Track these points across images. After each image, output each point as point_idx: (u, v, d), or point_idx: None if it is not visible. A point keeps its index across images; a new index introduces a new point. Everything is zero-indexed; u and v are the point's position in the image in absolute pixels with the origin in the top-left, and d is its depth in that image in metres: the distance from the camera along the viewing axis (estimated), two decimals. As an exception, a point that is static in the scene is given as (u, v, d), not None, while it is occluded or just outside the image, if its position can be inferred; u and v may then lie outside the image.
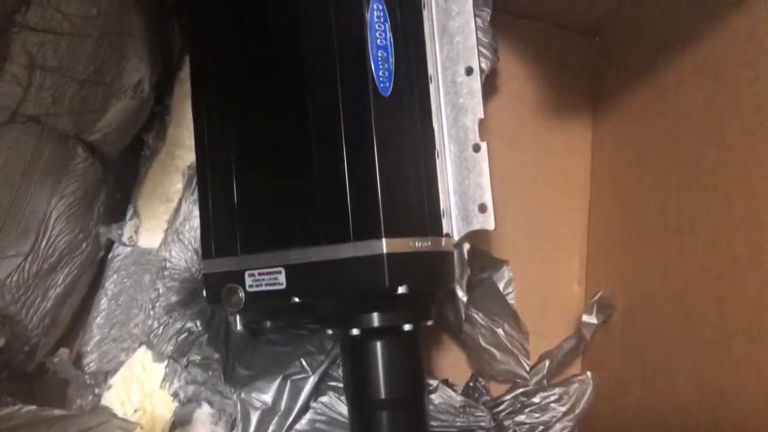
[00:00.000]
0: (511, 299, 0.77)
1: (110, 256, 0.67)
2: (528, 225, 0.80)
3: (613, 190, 0.80)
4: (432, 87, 0.61)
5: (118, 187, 0.69)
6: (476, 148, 0.60)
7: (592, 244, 0.81)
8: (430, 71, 0.61)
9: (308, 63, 0.53)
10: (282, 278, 0.53)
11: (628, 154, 0.78)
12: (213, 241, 0.57)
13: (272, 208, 0.55)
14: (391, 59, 0.52)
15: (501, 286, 0.77)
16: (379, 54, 0.51)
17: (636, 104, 0.77)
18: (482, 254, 0.76)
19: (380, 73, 0.51)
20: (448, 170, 0.61)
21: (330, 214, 0.51)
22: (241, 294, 0.55)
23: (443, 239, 0.56)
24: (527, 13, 0.86)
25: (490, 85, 0.84)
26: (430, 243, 0.53)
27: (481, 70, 0.62)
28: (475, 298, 0.73)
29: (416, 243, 0.52)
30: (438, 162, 0.60)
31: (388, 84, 0.52)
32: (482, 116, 0.61)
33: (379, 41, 0.52)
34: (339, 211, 0.51)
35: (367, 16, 0.50)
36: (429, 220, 0.56)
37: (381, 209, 0.50)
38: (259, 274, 0.54)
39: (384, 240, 0.49)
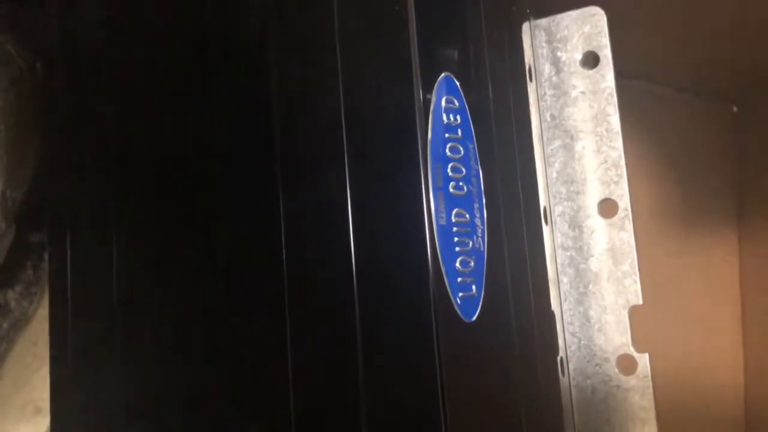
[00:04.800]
0: None
1: None
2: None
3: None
4: (547, 233, 0.31)
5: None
6: (628, 366, 0.30)
7: None
8: (542, 201, 0.31)
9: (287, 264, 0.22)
10: None
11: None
12: None
13: None
14: (481, 228, 0.22)
15: None
16: (456, 228, 0.21)
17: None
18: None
19: (458, 272, 0.21)
20: (573, 402, 0.30)
21: None
22: None
23: None
24: (637, 73, 0.56)
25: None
26: None
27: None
28: None
29: None
30: (562, 380, 0.30)
31: (476, 290, 0.21)
32: (640, 302, 0.30)
33: (453, 188, 0.21)
34: None
35: (427, 136, 0.20)
36: None
37: None
38: None
39: None
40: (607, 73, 0.32)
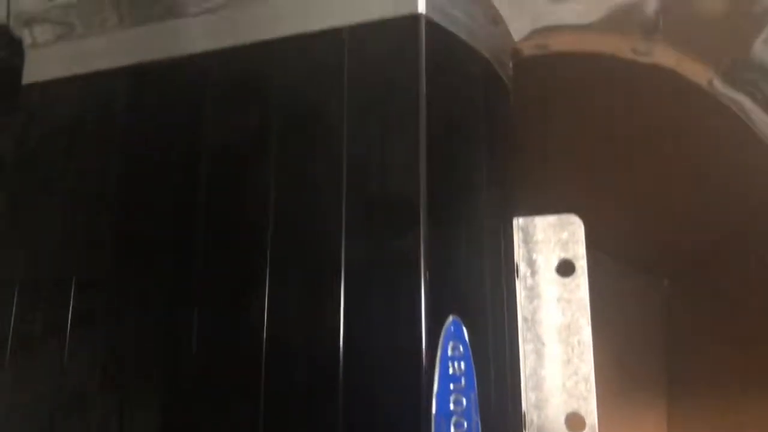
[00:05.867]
0: None
1: None
2: None
3: None
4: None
5: None
6: None
7: None
8: (523, 406, 0.30)
9: None
10: None
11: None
12: None
13: None
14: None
15: None
16: None
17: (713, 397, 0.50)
18: None
19: None
20: None
21: None
22: None
23: None
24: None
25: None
26: None
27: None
28: None
29: None
30: None
31: None
32: None
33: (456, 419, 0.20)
34: None
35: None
36: None
37: None
38: None
39: None
40: (582, 283, 0.32)
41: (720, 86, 0.27)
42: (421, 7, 0.23)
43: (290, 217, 0.24)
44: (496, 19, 0.28)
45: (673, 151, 0.36)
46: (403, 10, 0.23)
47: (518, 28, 0.31)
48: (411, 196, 0.21)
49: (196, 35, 0.26)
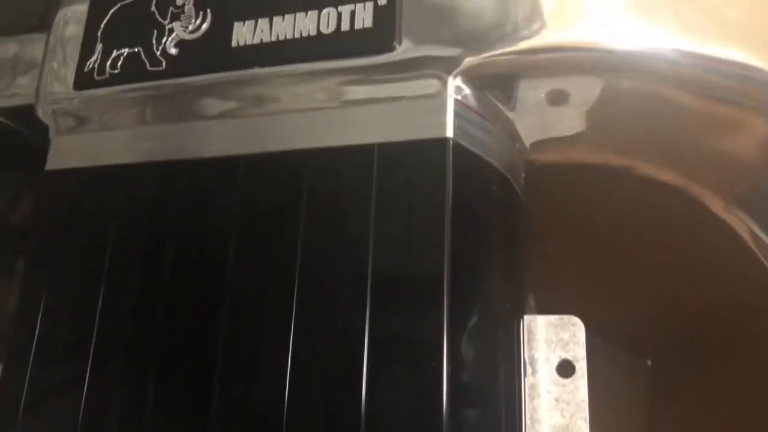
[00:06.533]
0: None
1: None
2: None
3: None
4: None
5: None
6: None
7: None
8: None
9: None
10: None
11: None
12: None
13: None
14: None
15: None
16: None
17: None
18: None
19: None
20: None
21: None
22: None
23: None
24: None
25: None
26: None
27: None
28: None
29: None
30: None
31: None
32: None
33: None
34: None
35: None
36: None
37: None
38: None
39: None
40: (581, 385, 0.33)
41: (730, 209, 0.28)
42: (449, 132, 0.24)
43: (312, 309, 0.25)
44: (514, 137, 0.29)
45: (668, 256, 0.38)
46: (432, 134, 0.24)
47: (526, 136, 0.32)
48: (435, 299, 0.22)
49: (222, 138, 0.27)
